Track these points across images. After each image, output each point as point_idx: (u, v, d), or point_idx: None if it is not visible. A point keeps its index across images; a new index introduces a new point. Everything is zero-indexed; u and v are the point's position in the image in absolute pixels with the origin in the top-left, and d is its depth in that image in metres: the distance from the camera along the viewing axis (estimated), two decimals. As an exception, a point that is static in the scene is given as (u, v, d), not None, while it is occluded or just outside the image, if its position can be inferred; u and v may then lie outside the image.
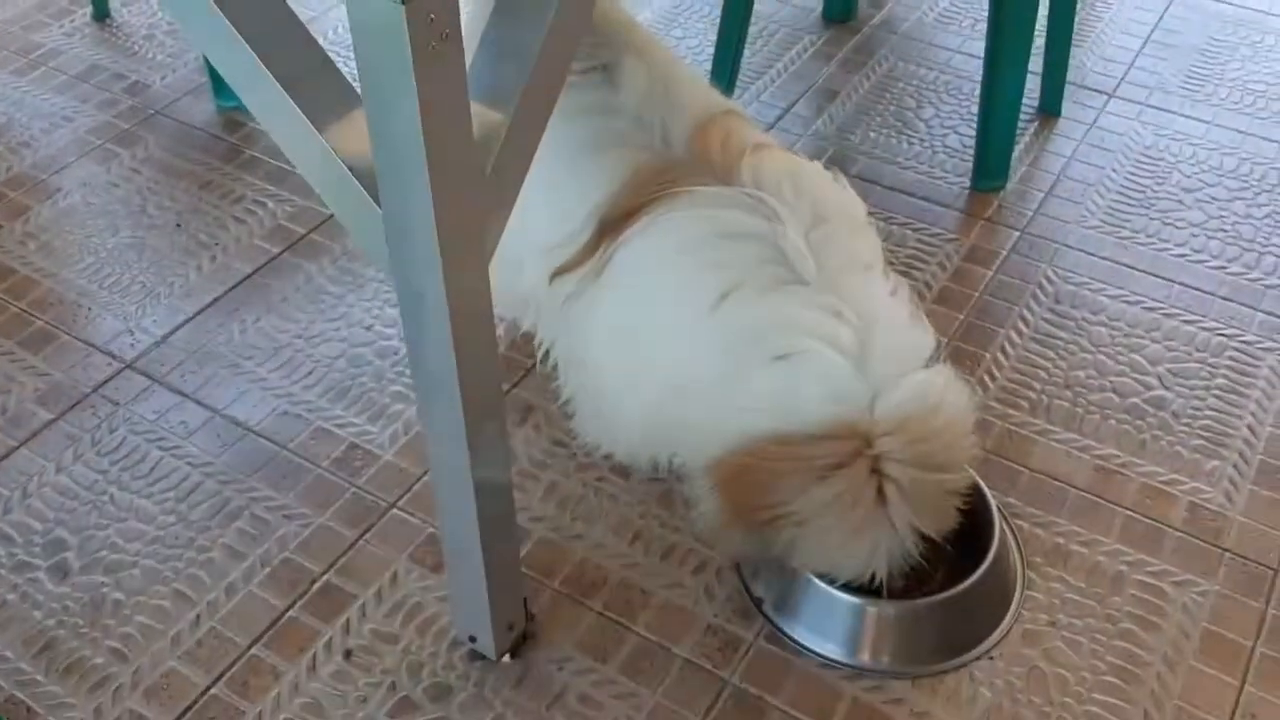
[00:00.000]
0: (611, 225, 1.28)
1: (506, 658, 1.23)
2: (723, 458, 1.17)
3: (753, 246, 1.20)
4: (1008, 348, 1.57)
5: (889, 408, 1.12)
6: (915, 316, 1.21)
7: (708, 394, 1.21)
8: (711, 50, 1.96)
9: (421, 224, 0.88)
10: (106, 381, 1.54)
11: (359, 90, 0.86)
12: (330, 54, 0.94)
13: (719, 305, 1.20)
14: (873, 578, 1.18)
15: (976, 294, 1.65)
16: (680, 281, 1.23)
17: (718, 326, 1.20)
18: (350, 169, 0.91)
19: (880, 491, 1.12)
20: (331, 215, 1.77)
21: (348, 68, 0.91)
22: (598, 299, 1.29)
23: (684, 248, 1.23)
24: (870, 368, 1.13)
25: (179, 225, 1.77)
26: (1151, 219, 1.77)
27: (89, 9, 2.22)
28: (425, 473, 1.42)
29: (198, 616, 1.28)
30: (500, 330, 1.53)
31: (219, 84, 1.98)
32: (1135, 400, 1.50)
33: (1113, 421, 1.47)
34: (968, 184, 1.83)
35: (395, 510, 1.38)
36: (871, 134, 1.94)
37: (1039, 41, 1.81)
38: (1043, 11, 1.77)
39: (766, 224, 1.20)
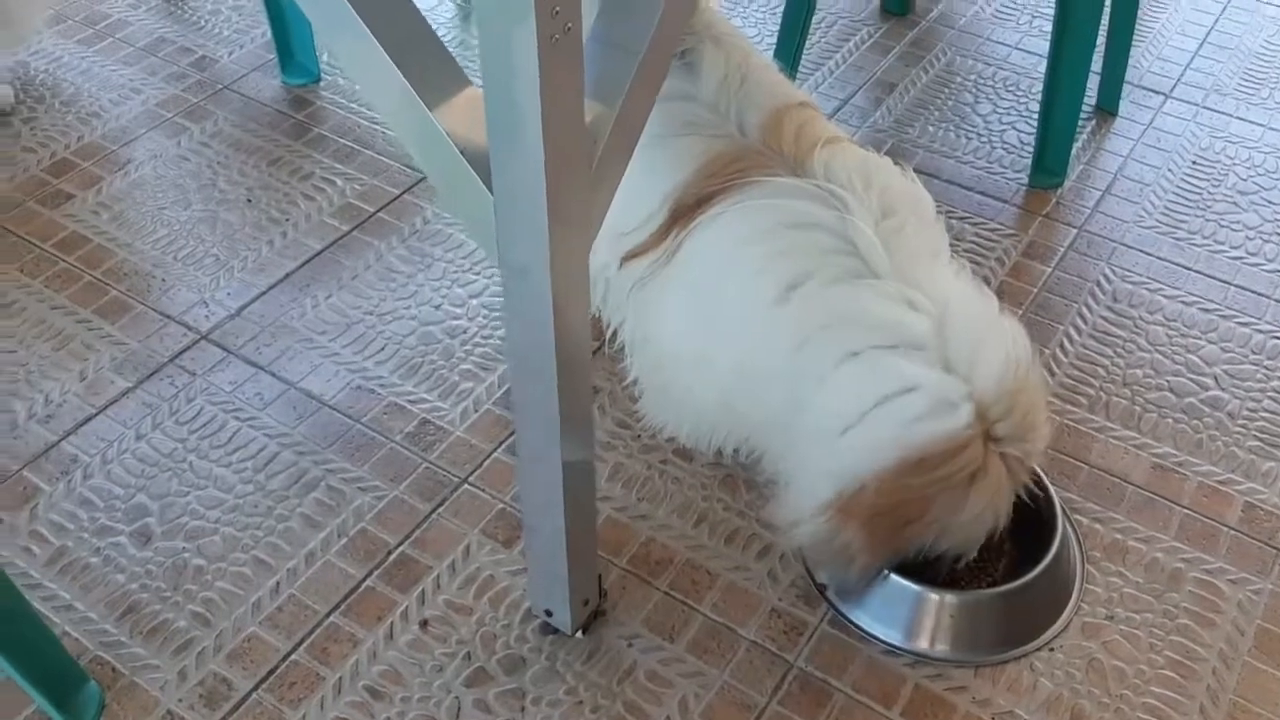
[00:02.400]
0: (684, 211, 1.30)
1: (579, 633, 1.27)
2: (850, 502, 1.16)
3: (822, 237, 1.22)
4: (1066, 344, 1.59)
5: (991, 391, 1.13)
6: (982, 290, 1.24)
7: (779, 391, 1.22)
8: (771, 40, 1.97)
9: (533, 208, 0.91)
10: (183, 352, 1.57)
11: (465, 73, 0.88)
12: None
13: (788, 296, 1.21)
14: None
15: (1035, 290, 1.67)
16: (748, 271, 1.25)
17: (787, 317, 1.21)
18: (461, 151, 0.93)
19: (1008, 470, 1.16)
20: (400, 195, 1.80)
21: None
22: (667, 285, 1.31)
23: (753, 237, 1.25)
24: (955, 356, 1.14)
25: (249, 200, 1.80)
26: (1208, 220, 1.78)
27: (155, -18, 2.26)
28: (495, 449, 1.45)
29: (278, 584, 1.32)
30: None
31: (286, 60, 2.01)
32: (1192, 400, 1.52)
33: (1170, 420, 1.50)
34: (1025, 180, 1.85)
35: (467, 485, 1.41)
36: (930, 128, 1.95)
37: (1099, 40, 1.82)
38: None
39: (835, 215, 1.21)
